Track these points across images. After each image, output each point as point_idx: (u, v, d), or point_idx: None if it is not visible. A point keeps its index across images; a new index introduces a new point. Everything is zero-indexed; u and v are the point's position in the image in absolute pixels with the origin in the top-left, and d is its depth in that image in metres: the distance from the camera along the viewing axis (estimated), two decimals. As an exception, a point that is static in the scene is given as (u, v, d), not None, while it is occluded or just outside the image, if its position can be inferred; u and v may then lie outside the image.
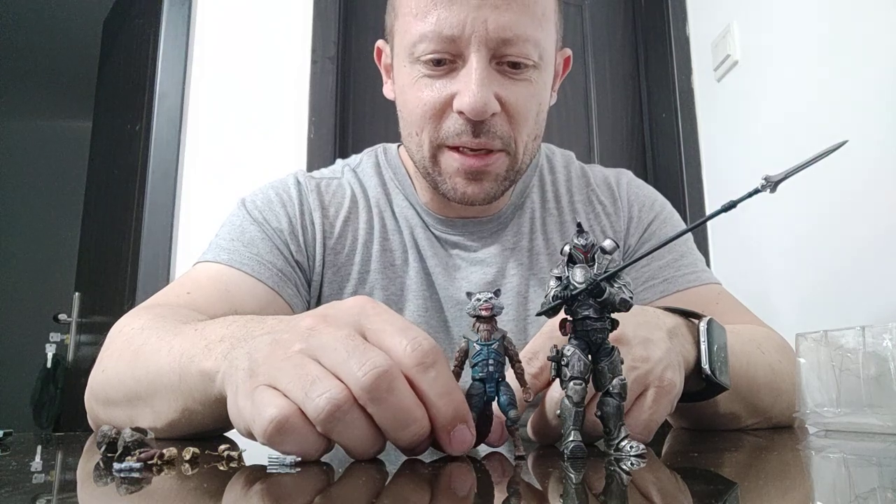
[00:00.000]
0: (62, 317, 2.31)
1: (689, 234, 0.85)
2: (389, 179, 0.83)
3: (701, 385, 0.52)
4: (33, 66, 3.72)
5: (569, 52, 0.82)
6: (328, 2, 1.78)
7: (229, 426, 0.45)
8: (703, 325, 0.52)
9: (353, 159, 0.87)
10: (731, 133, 1.64)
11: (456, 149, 0.69)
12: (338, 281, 0.78)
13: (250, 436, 0.37)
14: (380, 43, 0.81)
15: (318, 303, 0.77)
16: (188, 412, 0.49)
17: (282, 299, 0.72)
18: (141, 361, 0.53)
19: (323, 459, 0.37)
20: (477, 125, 0.67)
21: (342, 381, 0.34)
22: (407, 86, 0.71)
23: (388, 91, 0.79)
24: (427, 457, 0.39)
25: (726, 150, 1.66)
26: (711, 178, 1.75)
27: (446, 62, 0.67)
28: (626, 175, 0.88)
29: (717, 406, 0.56)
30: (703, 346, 0.51)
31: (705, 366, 0.50)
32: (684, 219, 1.73)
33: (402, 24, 0.71)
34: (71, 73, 3.71)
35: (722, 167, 1.69)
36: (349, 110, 1.82)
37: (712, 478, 0.34)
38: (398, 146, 0.86)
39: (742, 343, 0.61)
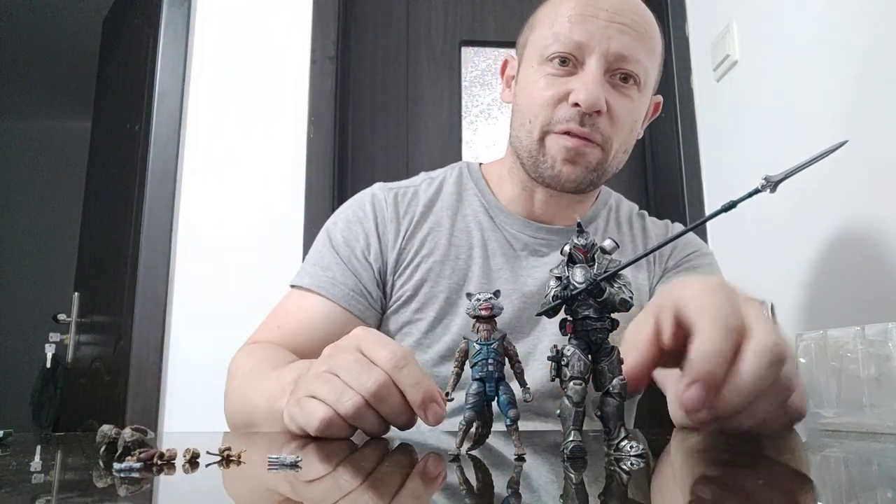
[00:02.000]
0: (62, 317, 2.31)
1: (716, 263, 0.95)
2: (469, 188, 0.93)
3: None
4: (33, 65, 3.71)
5: (660, 98, 0.94)
6: (328, 2, 1.78)
7: None
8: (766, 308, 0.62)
9: (435, 172, 0.98)
10: (731, 133, 1.64)
11: (562, 134, 0.80)
12: (407, 272, 0.87)
13: (302, 432, 0.53)
14: (507, 56, 0.94)
15: (389, 296, 0.89)
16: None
17: (353, 315, 0.85)
18: (248, 401, 0.72)
19: (322, 460, 0.37)
20: (586, 117, 0.79)
21: (357, 391, 0.50)
22: (531, 83, 0.83)
23: (506, 96, 0.92)
24: (428, 456, 0.39)
25: (726, 150, 1.66)
26: (711, 177, 1.74)
27: (570, 63, 0.80)
28: (679, 224, 1.01)
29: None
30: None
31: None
32: (684, 219, 1.73)
33: (538, 34, 0.85)
34: (70, 72, 3.70)
35: (721, 167, 1.69)
36: (349, 110, 1.82)
37: (712, 478, 0.34)
38: (479, 164, 0.98)
39: None
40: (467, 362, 0.41)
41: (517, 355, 0.41)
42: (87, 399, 2.05)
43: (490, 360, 0.39)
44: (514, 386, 0.41)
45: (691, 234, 0.96)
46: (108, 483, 0.32)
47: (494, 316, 0.40)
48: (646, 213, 1.01)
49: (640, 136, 0.92)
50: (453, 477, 0.33)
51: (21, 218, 3.94)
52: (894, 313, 1.03)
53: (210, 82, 1.72)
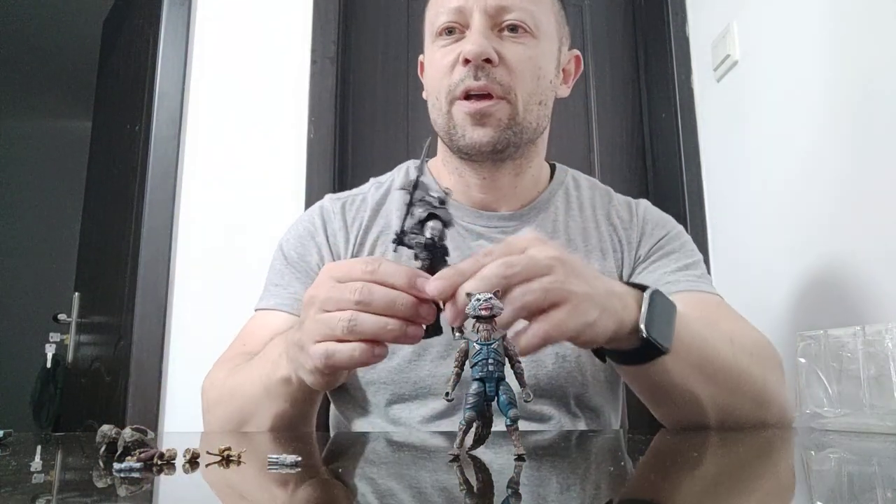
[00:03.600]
0: (62, 317, 2.31)
1: (701, 259, 0.90)
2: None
3: (636, 344, 0.57)
4: (33, 66, 3.71)
5: (577, 52, 0.92)
6: (328, 2, 1.78)
7: (309, 417, 0.69)
8: (646, 293, 0.58)
9: (385, 175, 0.96)
10: (731, 133, 1.64)
11: (463, 100, 0.79)
12: None
13: (321, 380, 0.55)
14: (420, 57, 0.92)
15: None
16: (278, 416, 0.66)
17: None
18: (236, 396, 0.71)
19: (322, 460, 0.37)
20: (478, 70, 0.78)
21: (344, 308, 0.50)
22: (431, 63, 0.84)
23: (425, 93, 0.90)
24: (427, 456, 0.38)
25: (726, 149, 1.66)
26: (711, 177, 1.74)
27: (456, 30, 0.81)
28: (645, 202, 0.96)
29: (670, 373, 0.60)
30: (644, 307, 0.57)
31: (641, 325, 0.55)
32: (684, 219, 1.73)
33: (427, 15, 0.86)
34: (71, 73, 3.70)
35: (721, 167, 1.69)
36: (349, 110, 1.82)
37: (713, 478, 0.34)
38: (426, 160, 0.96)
39: (709, 328, 0.67)
40: (467, 362, 0.41)
41: (517, 355, 0.41)
42: (87, 399, 2.05)
43: (490, 361, 0.39)
44: (514, 386, 0.41)
45: (658, 212, 0.94)
46: (108, 483, 0.32)
47: (494, 316, 0.40)
48: (611, 189, 0.97)
49: (567, 95, 0.91)
50: (453, 477, 0.33)
51: (21, 218, 3.94)
52: (894, 313, 1.03)
53: (210, 82, 1.72)
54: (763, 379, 0.68)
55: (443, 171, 0.90)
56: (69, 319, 2.29)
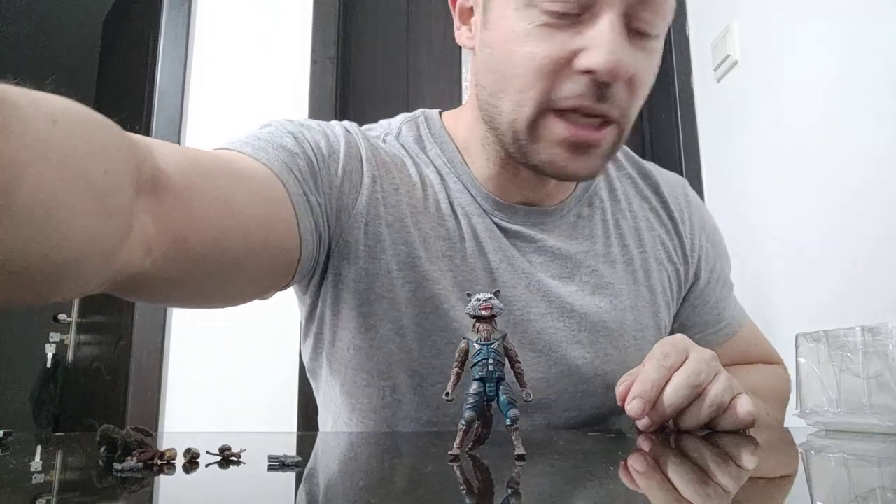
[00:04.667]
0: (62, 317, 2.31)
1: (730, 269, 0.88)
2: (436, 156, 0.70)
3: None
4: (33, 65, 3.71)
5: None
6: (328, 2, 1.78)
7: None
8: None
9: (391, 126, 0.73)
10: (731, 133, 1.64)
11: (563, 115, 0.59)
12: (376, 251, 0.64)
13: None
14: None
15: (326, 268, 0.64)
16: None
17: (296, 220, 0.56)
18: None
19: (323, 460, 0.37)
20: (604, 89, 0.57)
21: None
22: (515, 34, 0.59)
23: (463, 38, 0.68)
24: (428, 456, 0.39)
25: (726, 150, 1.66)
26: (711, 177, 1.74)
27: (571, 14, 0.57)
28: (690, 191, 0.83)
29: None
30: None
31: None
32: (684, 219, 1.73)
33: None
34: (71, 72, 3.70)
35: (722, 167, 1.69)
36: (349, 110, 1.82)
37: (712, 478, 0.34)
38: (439, 113, 0.75)
39: (779, 402, 0.77)
40: (468, 363, 0.41)
41: (517, 355, 0.41)
42: (87, 399, 2.05)
43: (491, 361, 0.39)
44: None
45: (711, 220, 0.84)
46: (108, 483, 0.32)
47: (495, 316, 0.40)
48: (656, 171, 0.81)
49: None
50: (453, 477, 0.33)
51: (21, 218, 3.94)
52: (894, 313, 1.03)
53: (210, 82, 1.72)
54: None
55: (473, 148, 0.69)
56: (69, 319, 2.30)
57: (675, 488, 0.31)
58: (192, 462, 0.37)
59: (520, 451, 0.39)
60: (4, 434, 0.51)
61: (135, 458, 0.34)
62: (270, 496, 0.29)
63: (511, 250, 0.68)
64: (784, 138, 1.39)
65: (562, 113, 0.59)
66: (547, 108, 0.59)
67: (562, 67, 0.57)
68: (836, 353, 0.58)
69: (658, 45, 0.61)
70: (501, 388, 0.40)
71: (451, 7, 0.69)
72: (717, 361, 0.56)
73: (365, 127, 0.72)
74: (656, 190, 0.79)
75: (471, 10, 0.66)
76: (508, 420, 0.39)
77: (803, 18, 1.34)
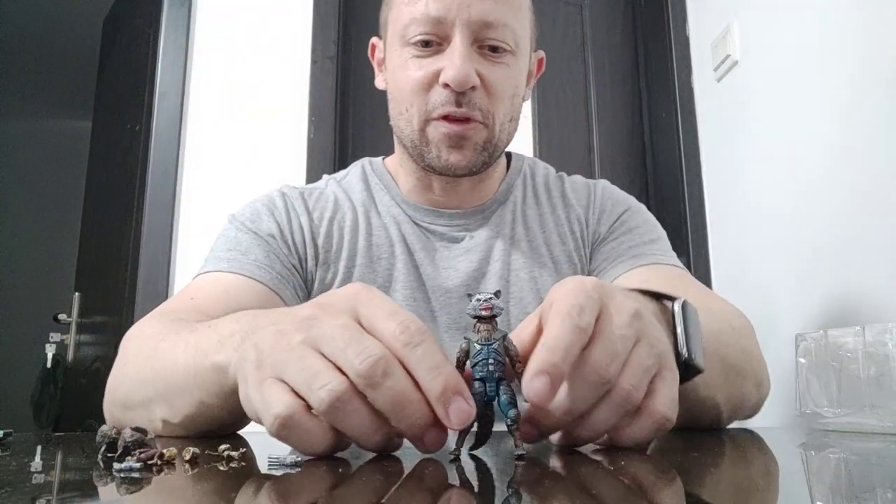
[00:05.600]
0: (62, 317, 2.31)
1: (665, 236, 0.88)
2: (375, 184, 0.89)
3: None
4: (33, 65, 3.71)
5: (542, 53, 0.90)
6: (328, 2, 1.78)
7: (244, 421, 0.53)
8: (677, 307, 0.49)
9: (339, 173, 0.93)
10: (731, 133, 1.64)
11: (441, 120, 0.76)
12: (328, 277, 0.82)
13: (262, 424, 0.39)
14: (374, 39, 0.89)
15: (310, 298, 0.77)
16: (204, 406, 0.52)
17: (281, 300, 0.76)
18: (158, 359, 0.56)
19: (323, 460, 0.37)
20: (460, 96, 0.74)
21: (341, 371, 0.36)
22: (398, 67, 0.79)
23: (379, 82, 0.88)
24: (427, 456, 0.39)
25: (726, 150, 1.66)
26: (711, 177, 1.74)
27: (433, 44, 0.76)
28: (604, 181, 0.94)
29: (697, 390, 0.52)
30: (680, 329, 0.47)
31: (683, 349, 0.46)
32: (684, 218, 1.73)
33: (395, 14, 0.80)
34: (71, 72, 3.70)
35: (722, 167, 1.69)
36: (349, 110, 1.82)
37: (712, 477, 0.34)
38: (382, 158, 0.94)
39: (715, 320, 0.59)
40: (468, 363, 0.41)
41: (518, 355, 0.41)
42: (87, 399, 2.05)
43: (491, 361, 0.39)
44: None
45: (617, 191, 0.92)
46: (108, 483, 0.32)
47: (495, 316, 0.40)
48: (565, 174, 0.94)
49: (528, 98, 0.88)
50: (453, 477, 0.33)
51: (21, 218, 3.94)
52: (894, 313, 1.03)
53: (210, 82, 1.72)
54: (757, 357, 0.65)
55: (400, 172, 0.88)
56: (69, 319, 2.29)
57: (675, 488, 0.31)
58: (192, 462, 0.37)
59: (520, 451, 0.39)
60: (4, 434, 0.51)
61: (135, 458, 0.34)
62: (270, 497, 0.29)
63: (434, 249, 0.84)
64: (784, 138, 1.39)
65: (438, 119, 0.76)
66: (428, 119, 0.77)
67: (431, 85, 0.76)
68: (836, 353, 0.58)
69: (514, 59, 0.78)
70: (501, 387, 0.40)
71: (371, 59, 0.90)
72: (640, 320, 0.41)
73: (303, 186, 0.90)
74: (563, 181, 0.92)
75: (383, 60, 0.86)
76: (508, 420, 0.39)
77: (803, 18, 1.34)
